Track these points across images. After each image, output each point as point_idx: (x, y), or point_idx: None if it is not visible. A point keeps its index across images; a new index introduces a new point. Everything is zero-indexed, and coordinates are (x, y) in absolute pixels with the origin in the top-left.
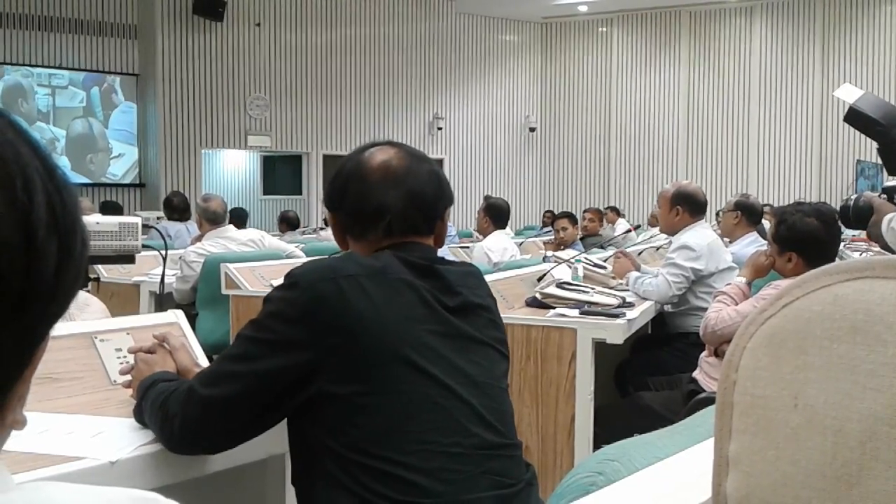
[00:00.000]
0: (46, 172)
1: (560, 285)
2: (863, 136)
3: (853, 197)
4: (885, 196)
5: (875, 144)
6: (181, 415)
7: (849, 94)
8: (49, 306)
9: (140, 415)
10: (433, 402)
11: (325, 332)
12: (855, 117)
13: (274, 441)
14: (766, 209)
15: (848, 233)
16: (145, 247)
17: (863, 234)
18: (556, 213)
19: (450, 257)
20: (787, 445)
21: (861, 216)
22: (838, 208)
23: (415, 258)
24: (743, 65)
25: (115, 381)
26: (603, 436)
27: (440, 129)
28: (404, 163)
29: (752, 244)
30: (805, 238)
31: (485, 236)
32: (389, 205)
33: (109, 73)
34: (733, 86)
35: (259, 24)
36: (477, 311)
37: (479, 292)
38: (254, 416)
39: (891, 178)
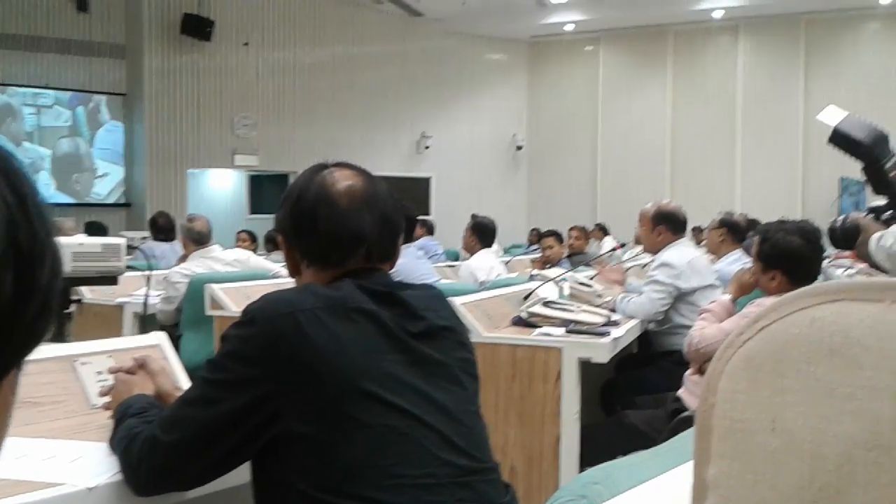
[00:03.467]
0: (17, 200)
1: (546, 304)
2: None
3: (840, 218)
4: (871, 215)
5: (859, 164)
6: (145, 462)
7: (832, 116)
8: (7, 340)
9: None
10: (401, 434)
11: (284, 370)
12: (839, 138)
13: None
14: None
15: (831, 250)
16: (129, 268)
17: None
18: (542, 231)
19: (435, 277)
20: (765, 469)
21: (849, 236)
22: (826, 229)
23: (376, 286)
24: (727, 83)
25: (94, 405)
26: (589, 455)
27: (427, 147)
28: (368, 185)
29: (737, 262)
30: (788, 256)
31: (472, 255)
32: (366, 231)
33: (96, 92)
34: (718, 103)
35: (247, 44)
36: (442, 334)
37: (443, 314)
38: (218, 458)
39: (876, 197)
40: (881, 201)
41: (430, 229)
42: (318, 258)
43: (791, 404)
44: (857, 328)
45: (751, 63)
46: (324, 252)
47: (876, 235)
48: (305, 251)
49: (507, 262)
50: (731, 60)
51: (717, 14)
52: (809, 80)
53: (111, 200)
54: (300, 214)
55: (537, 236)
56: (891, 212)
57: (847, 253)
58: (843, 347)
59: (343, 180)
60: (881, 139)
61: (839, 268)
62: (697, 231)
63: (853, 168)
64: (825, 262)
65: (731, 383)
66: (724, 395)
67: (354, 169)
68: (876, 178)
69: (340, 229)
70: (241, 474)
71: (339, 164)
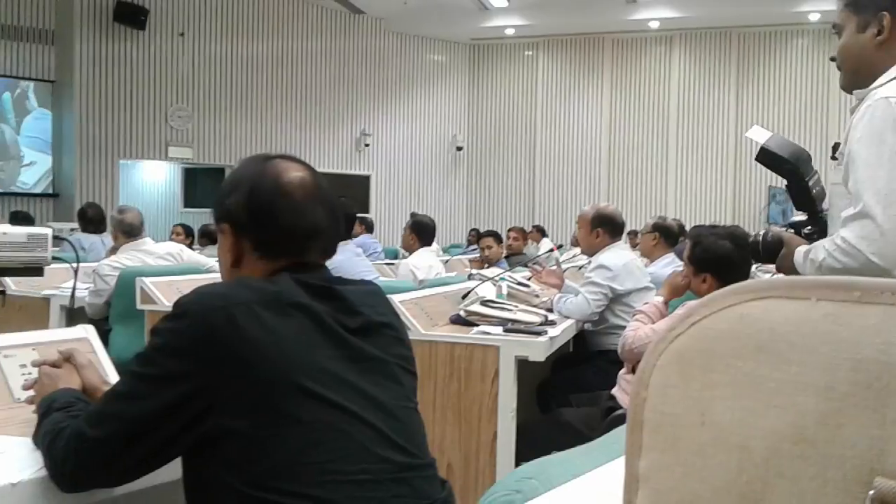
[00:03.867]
0: None
1: (484, 303)
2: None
3: (761, 233)
4: (791, 230)
5: (784, 181)
6: (71, 458)
7: (759, 134)
8: None
9: (37, 441)
10: (336, 430)
11: (216, 364)
12: (766, 156)
13: None
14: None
15: None
16: (56, 259)
17: None
18: (481, 231)
19: (374, 274)
20: (694, 462)
21: (770, 250)
22: (749, 242)
23: (313, 280)
24: (662, 91)
25: (18, 399)
26: (525, 453)
27: (367, 145)
28: (316, 179)
29: (669, 265)
30: (719, 260)
31: (411, 253)
32: (322, 225)
33: (23, 78)
34: (653, 111)
35: (183, 34)
36: (380, 329)
37: (380, 310)
38: (147, 454)
39: (797, 213)
40: (802, 216)
41: (369, 227)
42: (274, 250)
43: (720, 398)
44: (784, 325)
45: (685, 73)
46: (283, 244)
47: (802, 249)
48: (260, 242)
49: (446, 262)
50: (667, 70)
51: (654, 24)
52: (741, 92)
53: (38, 190)
54: (258, 204)
55: (476, 236)
56: (810, 227)
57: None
58: (770, 343)
59: (294, 171)
60: (804, 157)
61: (767, 272)
62: (633, 235)
63: (781, 178)
64: (754, 267)
65: (662, 378)
66: (656, 389)
67: (299, 161)
68: (799, 194)
69: (300, 222)
70: (172, 471)
71: (283, 156)
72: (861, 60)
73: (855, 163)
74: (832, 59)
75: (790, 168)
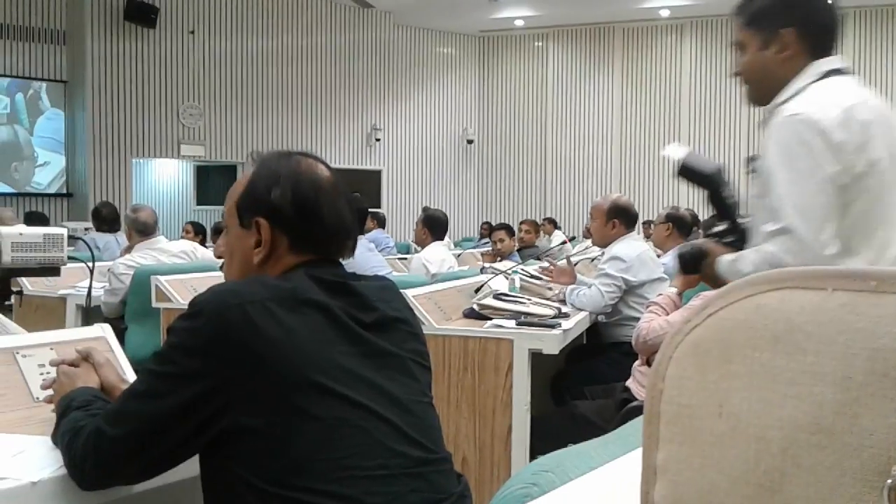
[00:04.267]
0: None
1: (497, 296)
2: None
3: (686, 246)
4: (714, 239)
5: (704, 193)
6: (91, 456)
7: (676, 151)
8: None
9: (56, 440)
10: (353, 426)
11: (232, 362)
12: (686, 172)
13: None
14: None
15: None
16: (72, 258)
17: None
18: (493, 224)
19: (387, 269)
20: (712, 453)
21: (697, 261)
22: (677, 255)
23: (327, 276)
24: (674, 80)
25: (37, 398)
26: (539, 446)
27: (378, 140)
28: (336, 176)
29: None
30: None
31: (423, 248)
32: (349, 221)
33: (36, 79)
34: (664, 100)
35: (193, 32)
36: (395, 325)
37: (395, 305)
38: (165, 452)
39: (719, 223)
40: (722, 226)
41: (381, 222)
42: (310, 245)
43: (737, 389)
44: (800, 315)
45: (696, 61)
46: (320, 239)
47: (728, 257)
48: (299, 237)
49: (458, 256)
50: (678, 58)
51: (664, 13)
52: None
53: (52, 190)
54: (303, 199)
55: (489, 229)
56: (731, 236)
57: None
58: (787, 334)
59: (322, 169)
60: (720, 171)
61: None
62: (647, 225)
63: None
64: None
65: (678, 369)
66: (672, 380)
67: (318, 159)
68: (718, 205)
69: (339, 219)
70: (190, 468)
71: (303, 153)
72: (766, 76)
73: (772, 180)
74: (736, 75)
75: (709, 181)
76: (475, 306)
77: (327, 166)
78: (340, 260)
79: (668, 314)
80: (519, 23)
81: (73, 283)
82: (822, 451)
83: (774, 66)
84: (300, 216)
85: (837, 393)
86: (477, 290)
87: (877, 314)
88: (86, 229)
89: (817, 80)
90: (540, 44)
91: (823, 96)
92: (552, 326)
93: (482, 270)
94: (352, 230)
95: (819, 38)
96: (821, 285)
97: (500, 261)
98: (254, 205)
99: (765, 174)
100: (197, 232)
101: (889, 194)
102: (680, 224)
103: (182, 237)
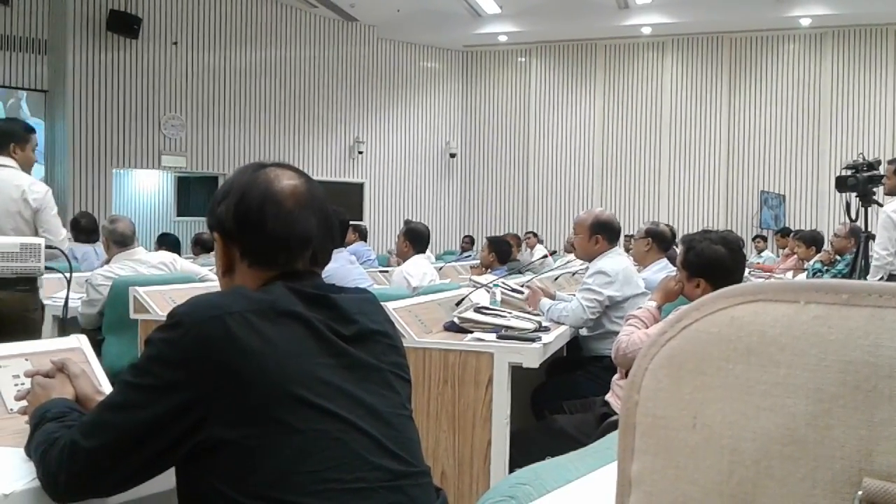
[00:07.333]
0: None
1: (478, 310)
2: (767, 168)
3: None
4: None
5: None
6: (65, 468)
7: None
8: None
9: (29, 452)
10: (332, 439)
11: (210, 374)
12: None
13: None
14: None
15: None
16: (49, 269)
17: (765, 262)
18: (473, 237)
19: (368, 282)
20: (686, 465)
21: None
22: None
23: (308, 288)
24: (655, 97)
25: (11, 409)
26: (519, 460)
27: (361, 152)
28: (310, 187)
29: (662, 270)
30: (712, 264)
31: (404, 260)
32: (313, 233)
33: (16, 88)
34: (645, 117)
35: (176, 43)
36: (375, 337)
37: (375, 318)
38: (141, 464)
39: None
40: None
41: (362, 235)
42: (263, 259)
43: (711, 401)
44: (773, 327)
45: (677, 78)
46: (271, 253)
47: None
48: (248, 251)
49: (439, 269)
50: (659, 75)
51: (646, 30)
52: (733, 96)
53: None
54: (245, 212)
55: (470, 243)
56: None
57: (766, 263)
58: (760, 346)
59: (287, 180)
60: None
61: (759, 278)
62: (628, 239)
63: (773, 182)
64: (746, 272)
65: (654, 381)
66: (648, 392)
67: (294, 169)
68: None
69: (289, 230)
70: (166, 480)
71: (277, 164)
72: None
73: None
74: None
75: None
76: (456, 319)
77: (302, 176)
78: (318, 271)
79: (647, 327)
80: (502, 38)
81: (51, 293)
82: (794, 462)
83: None
84: (240, 229)
85: (810, 405)
86: (458, 304)
87: (848, 327)
88: None
89: None
90: (523, 59)
91: None
92: (533, 340)
93: (473, 283)
94: (311, 240)
95: None
96: (794, 298)
97: (487, 272)
98: (210, 219)
99: None
100: (171, 246)
101: None
102: (660, 239)
103: (155, 250)
